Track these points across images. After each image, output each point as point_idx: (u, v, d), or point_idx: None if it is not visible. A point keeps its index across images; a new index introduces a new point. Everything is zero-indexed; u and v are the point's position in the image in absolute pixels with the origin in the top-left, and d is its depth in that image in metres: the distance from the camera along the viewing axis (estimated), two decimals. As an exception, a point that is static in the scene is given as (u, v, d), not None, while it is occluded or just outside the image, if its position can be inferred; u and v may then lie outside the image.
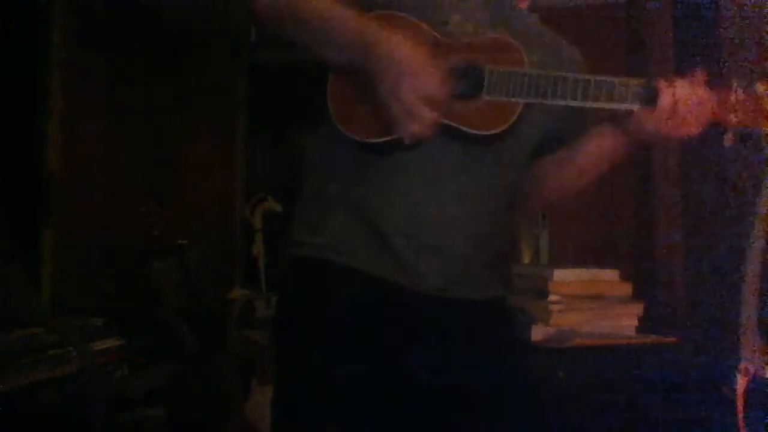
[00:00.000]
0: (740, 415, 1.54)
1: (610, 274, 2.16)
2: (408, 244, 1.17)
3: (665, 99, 1.09)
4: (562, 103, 1.12)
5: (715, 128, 1.13)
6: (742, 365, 1.57)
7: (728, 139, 1.13)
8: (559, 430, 1.35)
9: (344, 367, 1.16)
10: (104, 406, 2.55)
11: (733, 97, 1.11)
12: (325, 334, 1.19)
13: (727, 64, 1.97)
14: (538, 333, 1.99)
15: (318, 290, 1.21)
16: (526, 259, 2.94)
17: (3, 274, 2.72)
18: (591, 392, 1.84)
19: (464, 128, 1.13)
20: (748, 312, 1.61)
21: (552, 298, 2.06)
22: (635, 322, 2.11)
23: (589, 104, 1.12)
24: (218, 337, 3.32)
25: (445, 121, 1.12)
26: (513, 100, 1.12)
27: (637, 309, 2.12)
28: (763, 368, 1.54)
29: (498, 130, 1.13)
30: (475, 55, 1.14)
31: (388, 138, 1.12)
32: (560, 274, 2.08)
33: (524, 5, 1.31)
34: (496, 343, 1.26)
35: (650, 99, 1.11)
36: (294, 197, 1.30)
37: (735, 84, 1.12)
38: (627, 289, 2.15)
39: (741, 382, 1.55)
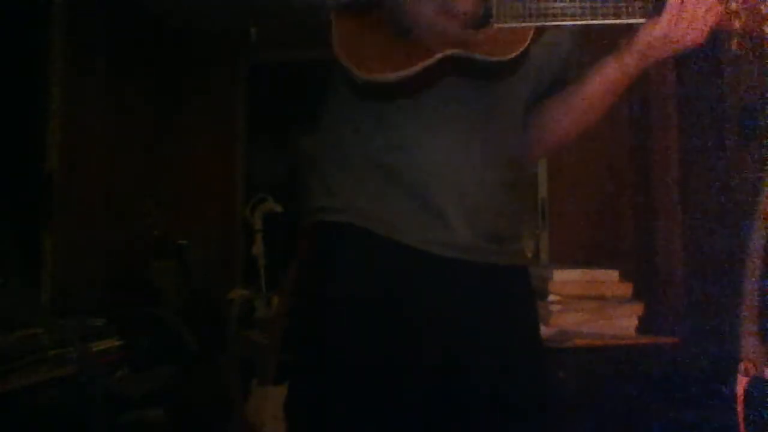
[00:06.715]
0: (740, 415, 1.54)
1: (610, 274, 2.16)
2: (432, 192, 1.15)
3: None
4: (571, 22, 1.12)
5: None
6: (742, 365, 1.57)
7: (734, 44, 1.16)
8: (559, 430, 1.35)
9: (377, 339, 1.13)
10: (104, 406, 2.55)
11: (734, 4, 1.14)
12: (356, 304, 1.15)
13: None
14: (538, 333, 1.99)
15: (343, 258, 1.18)
16: (526, 259, 2.94)
17: (3, 274, 2.72)
18: (591, 392, 1.84)
19: (478, 56, 1.11)
20: (748, 312, 1.61)
21: (552, 298, 2.06)
22: (635, 322, 2.11)
23: (599, 21, 1.13)
24: (218, 337, 3.32)
25: (458, 52, 1.10)
26: (524, 24, 1.11)
27: (637, 309, 2.12)
28: (763, 368, 1.54)
29: (512, 56, 1.12)
30: None
31: (403, 73, 1.10)
32: (560, 274, 2.08)
33: None
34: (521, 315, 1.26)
35: (657, 10, 1.13)
36: (296, 191, 1.27)
37: None
38: (627, 289, 2.15)
39: (741, 382, 1.55)
